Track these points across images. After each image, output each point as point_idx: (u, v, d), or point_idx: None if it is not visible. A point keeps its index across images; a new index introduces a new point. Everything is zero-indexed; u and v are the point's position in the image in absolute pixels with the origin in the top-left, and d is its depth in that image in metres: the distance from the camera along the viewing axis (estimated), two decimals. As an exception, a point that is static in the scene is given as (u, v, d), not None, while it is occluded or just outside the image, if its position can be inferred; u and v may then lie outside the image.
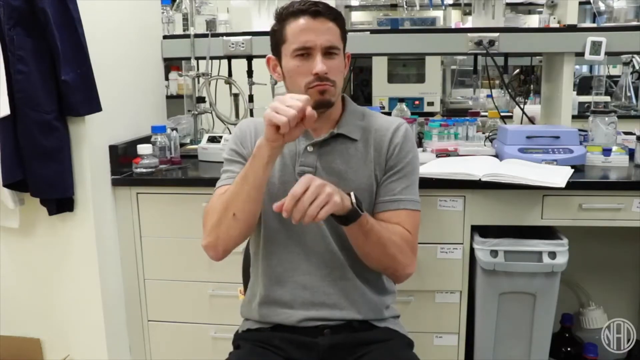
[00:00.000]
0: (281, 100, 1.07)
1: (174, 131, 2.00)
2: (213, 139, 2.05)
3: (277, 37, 1.25)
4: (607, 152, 1.84)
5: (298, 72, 1.22)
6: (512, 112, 2.62)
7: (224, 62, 2.28)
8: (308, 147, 1.27)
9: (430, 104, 3.38)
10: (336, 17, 1.24)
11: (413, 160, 1.30)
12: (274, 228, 1.27)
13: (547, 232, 1.71)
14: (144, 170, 1.84)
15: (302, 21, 1.21)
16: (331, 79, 1.22)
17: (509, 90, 2.54)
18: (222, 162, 1.34)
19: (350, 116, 1.31)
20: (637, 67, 3.14)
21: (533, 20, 3.09)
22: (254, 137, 1.29)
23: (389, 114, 2.58)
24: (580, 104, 3.02)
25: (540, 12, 3.00)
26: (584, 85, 3.51)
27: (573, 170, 1.70)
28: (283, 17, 1.24)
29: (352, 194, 1.14)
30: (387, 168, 1.28)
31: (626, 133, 2.05)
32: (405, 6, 3.00)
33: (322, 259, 1.27)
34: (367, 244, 1.19)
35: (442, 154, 1.92)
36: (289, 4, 1.24)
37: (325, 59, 1.21)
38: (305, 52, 1.21)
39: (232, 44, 2.11)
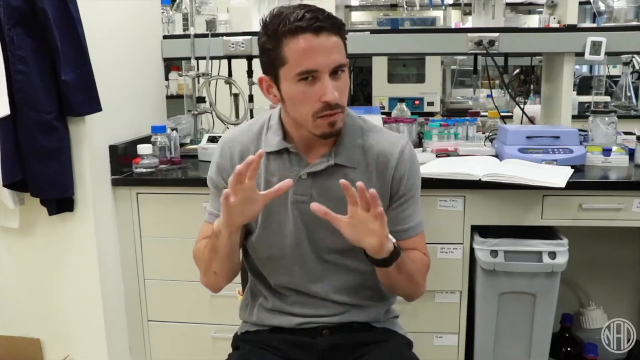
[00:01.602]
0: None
1: (174, 131, 2.00)
2: (213, 139, 2.05)
3: (272, 57, 1.09)
4: (607, 152, 1.83)
5: (303, 99, 1.09)
6: (512, 112, 2.62)
7: (224, 62, 2.28)
8: (302, 175, 1.18)
9: (430, 104, 3.38)
10: (340, 28, 1.09)
11: (418, 183, 1.26)
12: (265, 256, 1.25)
13: (547, 232, 1.71)
14: (144, 170, 1.84)
15: (303, 40, 1.05)
16: (341, 104, 1.10)
17: (509, 90, 2.55)
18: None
19: (348, 137, 1.20)
20: (637, 67, 3.14)
21: (533, 20, 3.10)
22: (237, 161, 1.18)
23: (389, 114, 2.58)
24: (580, 104, 3.02)
25: (540, 12, 3.01)
26: (584, 85, 3.51)
27: (573, 170, 1.70)
28: (279, 34, 1.07)
29: (394, 243, 1.10)
30: (395, 197, 1.21)
31: (626, 133, 2.05)
32: (405, 6, 3.00)
33: (320, 271, 1.25)
34: (399, 277, 1.17)
35: (442, 154, 1.92)
36: (282, 18, 1.07)
37: (333, 79, 1.08)
38: (310, 76, 1.07)
39: (232, 44, 2.11)
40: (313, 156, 1.20)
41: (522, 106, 2.29)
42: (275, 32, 1.08)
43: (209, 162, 1.29)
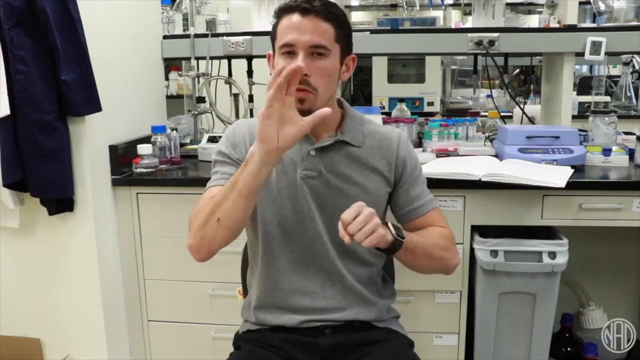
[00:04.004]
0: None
1: (174, 131, 2.00)
2: (213, 139, 2.05)
3: (272, 33, 1.22)
4: (607, 152, 1.84)
5: None
6: (512, 112, 2.62)
7: (224, 62, 2.28)
8: (311, 151, 1.24)
9: (430, 104, 3.39)
10: (329, 16, 1.16)
11: (420, 165, 1.34)
12: (272, 234, 1.26)
13: (547, 232, 1.72)
14: (144, 170, 1.84)
15: (292, 18, 1.16)
16: (312, 84, 1.15)
17: (509, 90, 2.54)
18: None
19: (351, 122, 1.28)
20: (637, 67, 3.15)
21: (533, 20, 3.10)
22: (248, 142, 1.25)
23: (389, 114, 2.59)
24: (580, 104, 3.03)
25: (540, 12, 3.01)
26: (584, 85, 3.51)
27: (573, 170, 1.70)
28: (278, 12, 1.20)
29: (389, 223, 1.14)
30: (402, 178, 1.29)
31: (626, 133, 2.05)
32: (405, 6, 3.01)
33: (321, 265, 1.26)
34: (415, 260, 1.22)
35: (442, 154, 1.92)
36: (286, 1, 1.20)
37: (310, 59, 1.15)
38: (289, 51, 1.16)
39: (232, 44, 2.11)
40: (319, 137, 1.26)
41: (522, 106, 2.29)
42: (276, 11, 1.21)
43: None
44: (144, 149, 1.84)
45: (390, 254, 1.16)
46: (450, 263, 1.29)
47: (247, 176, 1.07)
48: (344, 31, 1.20)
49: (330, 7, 1.17)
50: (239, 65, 2.25)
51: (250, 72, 2.22)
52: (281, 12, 1.19)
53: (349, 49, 1.24)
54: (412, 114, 2.54)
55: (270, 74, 1.07)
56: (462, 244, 1.72)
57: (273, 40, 1.22)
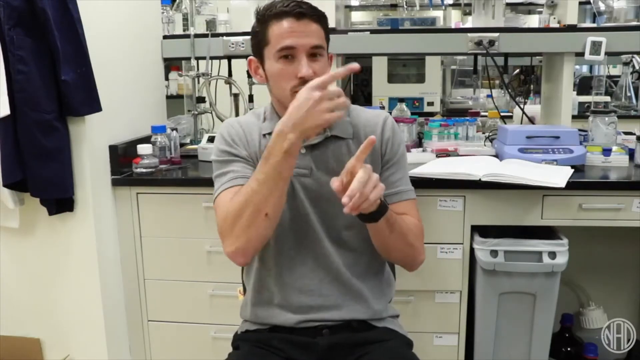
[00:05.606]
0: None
1: (174, 131, 2.00)
2: (213, 139, 2.04)
3: (259, 38, 1.23)
4: (607, 152, 1.83)
5: (282, 75, 1.20)
6: (512, 112, 2.62)
7: (224, 62, 2.29)
8: (301, 150, 1.25)
9: (430, 104, 3.38)
10: (320, 18, 1.22)
11: (404, 151, 1.34)
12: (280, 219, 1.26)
13: (547, 232, 1.71)
14: (144, 170, 1.84)
15: (285, 23, 1.18)
16: None
17: (509, 90, 2.54)
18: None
19: None
20: (637, 67, 3.14)
21: (533, 20, 3.10)
22: (244, 138, 1.28)
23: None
24: (580, 104, 3.03)
25: (540, 12, 3.01)
26: (584, 85, 3.51)
27: (573, 170, 1.70)
28: (265, 18, 1.21)
29: (381, 199, 1.12)
30: (383, 162, 1.29)
31: (626, 133, 2.05)
32: (405, 6, 3.01)
33: (318, 262, 1.27)
34: (391, 236, 1.20)
35: (442, 154, 1.92)
36: (271, 4, 1.21)
37: (310, 61, 1.19)
38: (289, 54, 1.18)
39: (232, 44, 2.11)
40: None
41: (522, 106, 2.29)
42: (263, 17, 1.22)
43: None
44: (144, 149, 1.84)
45: (373, 220, 1.13)
46: (417, 255, 1.28)
47: (291, 162, 1.11)
48: (328, 30, 1.26)
49: (317, 9, 1.22)
50: (239, 65, 2.25)
51: (250, 72, 2.21)
52: (271, 18, 1.20)
53: (328, 47, 1.28)
54: (412, 114, 2.53)
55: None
56: (462, 244, 1.72)
57: (262, 46, 1.22)
